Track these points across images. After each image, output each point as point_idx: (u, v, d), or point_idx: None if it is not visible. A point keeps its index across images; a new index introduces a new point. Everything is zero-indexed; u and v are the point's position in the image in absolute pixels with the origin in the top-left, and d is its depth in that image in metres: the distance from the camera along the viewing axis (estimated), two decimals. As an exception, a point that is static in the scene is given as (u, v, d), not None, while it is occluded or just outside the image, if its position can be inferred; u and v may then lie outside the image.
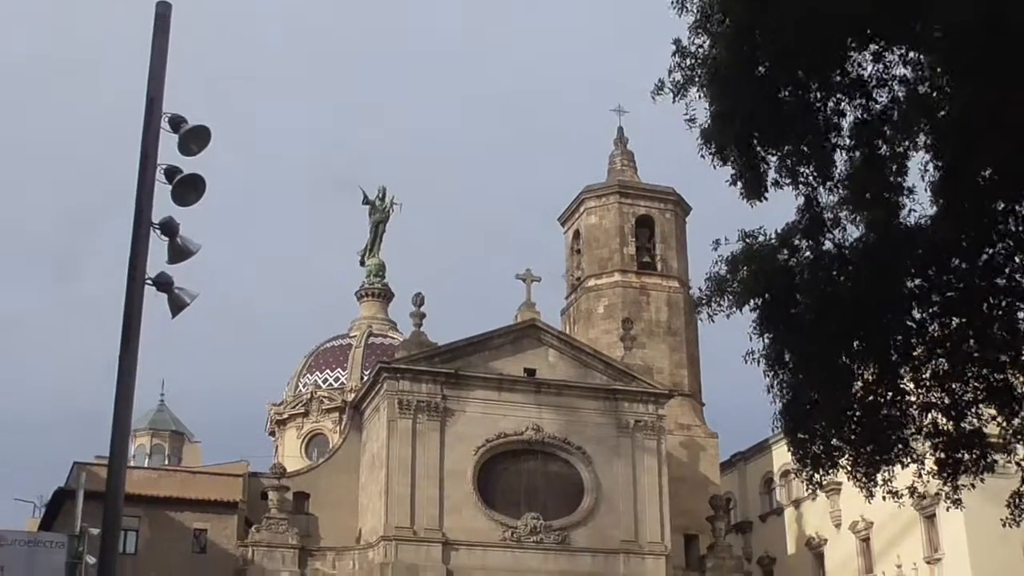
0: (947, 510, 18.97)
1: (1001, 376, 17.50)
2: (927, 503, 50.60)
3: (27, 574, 29.10)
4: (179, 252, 19.91)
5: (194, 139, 19.81)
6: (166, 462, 67.61)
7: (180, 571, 50.52)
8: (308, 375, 68.87)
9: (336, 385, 67.14)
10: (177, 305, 20.01)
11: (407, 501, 51.20)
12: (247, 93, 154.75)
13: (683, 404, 59.77)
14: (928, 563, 52.85)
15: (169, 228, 19.78)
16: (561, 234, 66.93)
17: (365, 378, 59.95)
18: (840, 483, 54.61)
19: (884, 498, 19.13)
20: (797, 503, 61.83)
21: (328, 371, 68.28)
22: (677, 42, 16.73)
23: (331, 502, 54.97)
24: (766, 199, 16.99)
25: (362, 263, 74.68)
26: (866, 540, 56.90)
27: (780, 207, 18.23)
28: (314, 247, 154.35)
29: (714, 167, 16.85)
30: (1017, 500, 18.29)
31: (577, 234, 64.76)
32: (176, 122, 19.88)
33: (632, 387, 55.42)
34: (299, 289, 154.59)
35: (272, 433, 69.98)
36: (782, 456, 62.52)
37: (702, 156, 16.77)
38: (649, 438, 54.99)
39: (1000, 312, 16.89)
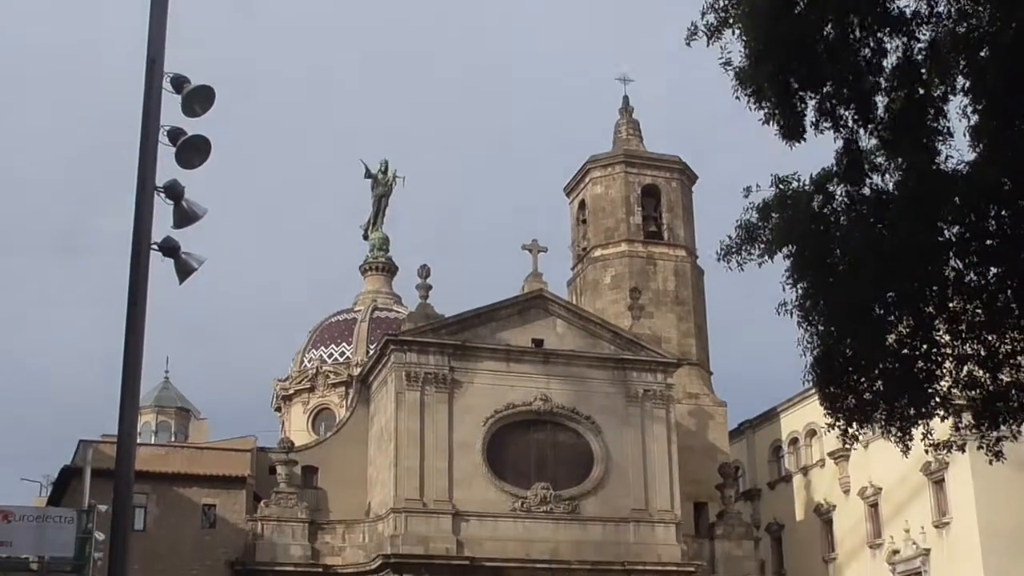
0: (989, 463, 18.25)
1: (1040, 327, 16.78)
2: (935, 467, 50.44)
3: (36, 550, 28.48)
4: (185, 216, 19.17)
5: (198, 100, 19.03)
6: (172, 439, 67.02)
7: (190, 547, 50.06)
8: (313, 350, 68.25)
9: (342, 360, 66.52)
10: (184, 271, 19.29)
11: (416, 473, 50.68)
12: (246, 61, 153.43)
13: (691, 373, 59.23)
14: (936, 527, 52.40)
15: (174, 192, 19.04)
16: (566, 204, 66.24)
17: (371, 352, 59.39)
18: (849, 450, 54.34)
19: (926, 451, 18.46)
20: (805, 470, 61.39)
21: (333, 346, 67.64)
22: None
23: (340, 476, 54.40)
24: (804, 140, 16.21)
25: (365, 237, 74.00)
26: (875, 506, 56.47)
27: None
28: (318, 220, 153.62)
29: (749, 109, 16.08)
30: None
31: (583, 204, 64.00)
32: (179, 83, 19.09)
33: (640, 356, 54.87)
34: (303, 263, 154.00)
35: (278, 409, 69.44)
36: (790, 424, 62.22)
37: (737, 98, 16.01)
38: (658, 407, 54.49)
39: (1041, 261, 16.17)
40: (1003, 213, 15.92)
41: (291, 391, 67.79)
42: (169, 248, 18.85)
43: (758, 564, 56.90)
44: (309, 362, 67.76)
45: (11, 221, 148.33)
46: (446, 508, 50.64)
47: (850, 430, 17.40)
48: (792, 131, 15.98)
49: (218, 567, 50.03)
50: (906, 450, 17.78)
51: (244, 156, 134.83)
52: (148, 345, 18.17)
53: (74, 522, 28.99)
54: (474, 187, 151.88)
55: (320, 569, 50.56)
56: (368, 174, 73.34)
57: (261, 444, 55.06)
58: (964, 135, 16.07)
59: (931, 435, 17.51)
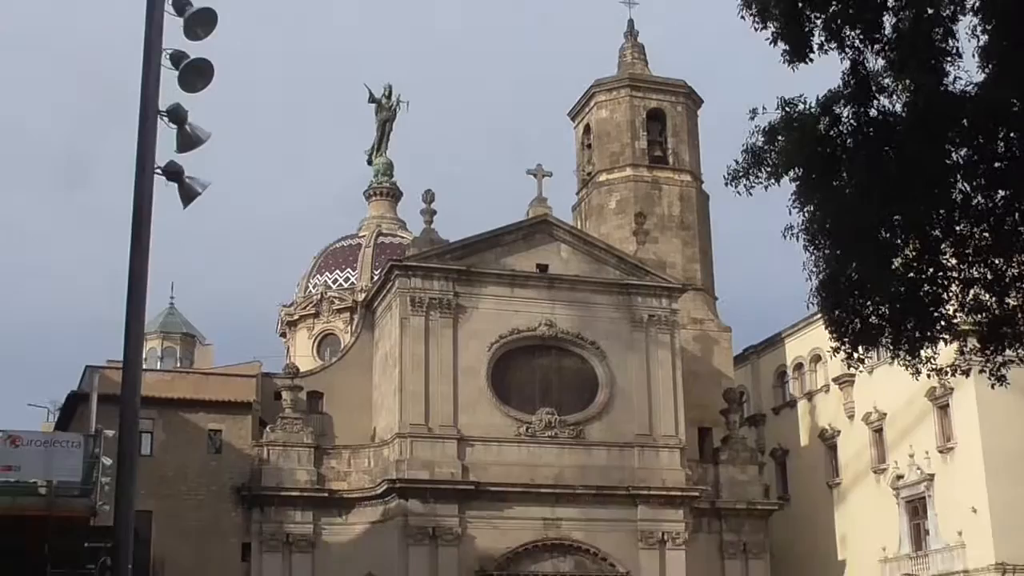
0: (992, 387, 18.26)
1: (1047, 251, 16.69)
2: (940, 393, 50.68)
3: (44, 474, 28.57)
4: (189, 140, 19.16)
5: (200, 23, 18.92)
6: (178, 365, 67.35)
7: (196, 472, 50.54)
8: (318, 275, 68.39)
9: (346, 285, 66.68)
10: (188, 195, 19.31)
11: (421, 399, 50.98)
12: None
13: (696, 298, 59.29)
14: (941, 452, 52.76)
15: (177, 115, 19.02)
16: (571, 129, 65.92)
17: (376, 277, 59.49)
18: (853, 375, 54.55)
19: (928, 376, 18.48)
20: (810, 395, 61.67)
21: (338, 271, 67.76)
22: None
23: (345, 401, 54.75)
24: (810, 61, 16.01)
25: (369, 162, 73.85)
26: (879, 431, 56.82)
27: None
28: (322, 145, 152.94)
29: (755, 29, 15.88)
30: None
31: (587, 128, 63.71)
32: (181, 5, 18.98)
33: (645, 282, 54.90)
34: (308, 188, 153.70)
35: (283, 334, 69.71)
36: (795, 349, 62.43)
37: (742, 17, 15.82)
38: (663, 332, 54.60)
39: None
40: (1012, 135, 15.76)
41: (296, 317, 68.02)
42: (173, 172, 18.85)
43: (762, 489, 57.29)
44: (314, 288, 67.93)
45: (15, 148, 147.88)
46: (451, 433, 50.97)
47: (856, 353, 17.36)
48: (798, 52, 15.76)
49: (224, 492, 50.53)
50: (916, 373, 17.78)
51: (248, 80, 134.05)
52: (153, 271, 18.23)
53: (81, 447, 29.05)
54: (479, 112, 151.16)
55: (326, 494, 50.97)
56: (372, 99, 73.05)
57: (266, 370, 55.35)
58: (973, 56, 15.85)
59: (935, 359, 17.50)
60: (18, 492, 28.26)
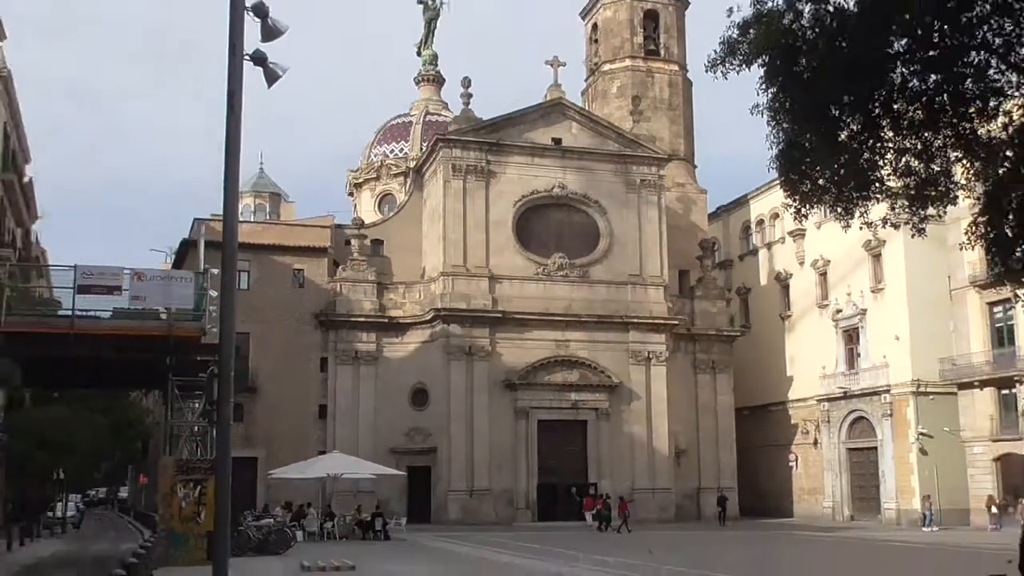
0: (912, 238, 17.92)
1: (969, 125, 16.16)
2: (874, 244, 50.31)
3: (164, 302, 28.84)
4: (270, 31, 18.73)
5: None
6: (267, 218, 67.47)
7: (284, 302, 51.04)
8: (378, 147, 67.93)
9: (400, 155, 66.25)
10: (271, 77, 18.96)
11: (460, 245, 51.03)
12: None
13: (680, 166, 58.63)
14: (872, 292, 52.59)
15: (260, 10, 18.58)
16: (582, 26, 64.41)
17: (424, 148, 59.01)
18: (804, 229, 54.19)
19: (860, 228, 18.22)
20: (769, 246, 61.31)
21: (394, 143, 67.28)
22: None
23: (400, 247, 54.87)
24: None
25: (418, 54, 72.59)
26: (824, 274, 56.57)
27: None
28: (381, 38, 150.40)
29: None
30: (973, 228, 17.18)
31: (595, 26, 62.28)
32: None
33: (639, 153, 54.33)
34: (369, 75, 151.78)
35: (351, 194, 69.60)
36: (758, 208, 61.87)
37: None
38: (652, 194, 54.26)
39: (973, 68, 15.49)
40: (945, 27, 15.20)
41: (360, 180, 67.83)
42: (258, 59, 18.50)
43: (729, 319, 57.62)
44: (375, 156, 67.57)
45: (132, 27, 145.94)
46: (484, 272, 51.13)
47: (802, 210, 17.07)
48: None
49: (306, 317, 51.15)
50: (847, 227, 17.51)
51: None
52: (246, 141, 18.04)
53: (192, 282, 29.18)
54: (508, 11, 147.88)
55: (386, 320, 51.51)
56: (419, 0, 71.55)
57: (338, 222, 55.42)
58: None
59: (867, 215, 17.19)
60: (144, 316, 28.55)
